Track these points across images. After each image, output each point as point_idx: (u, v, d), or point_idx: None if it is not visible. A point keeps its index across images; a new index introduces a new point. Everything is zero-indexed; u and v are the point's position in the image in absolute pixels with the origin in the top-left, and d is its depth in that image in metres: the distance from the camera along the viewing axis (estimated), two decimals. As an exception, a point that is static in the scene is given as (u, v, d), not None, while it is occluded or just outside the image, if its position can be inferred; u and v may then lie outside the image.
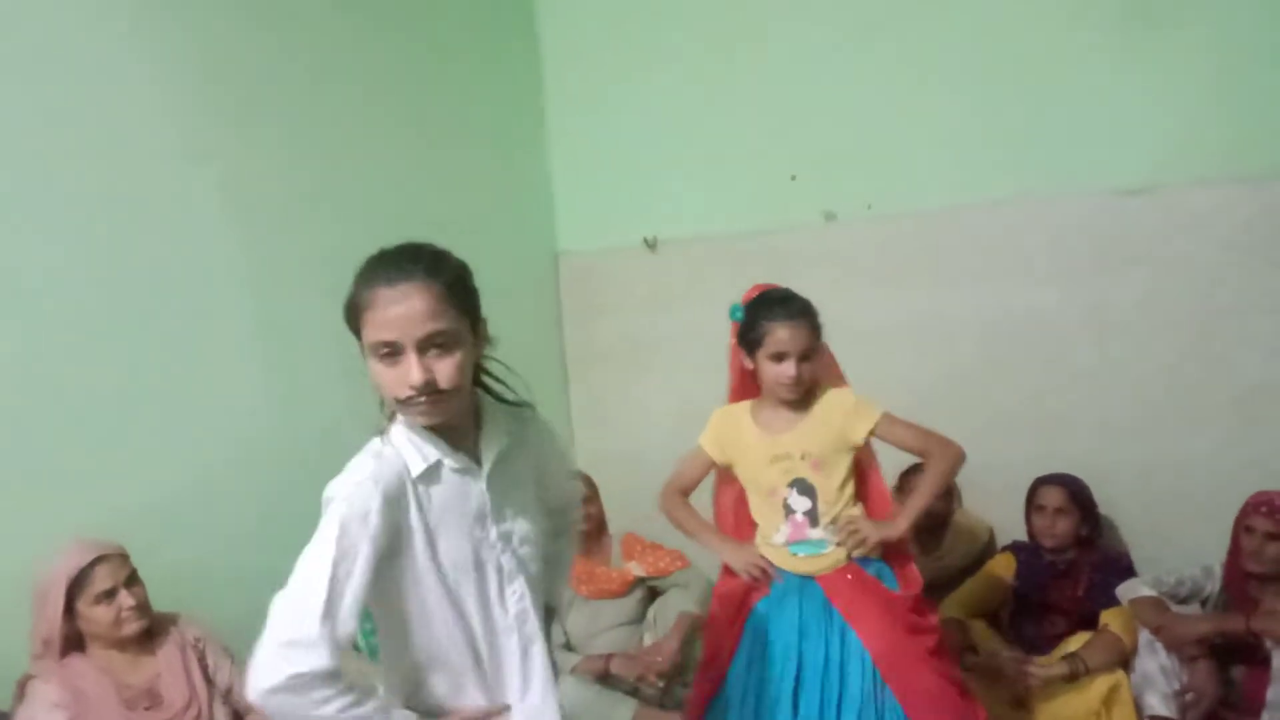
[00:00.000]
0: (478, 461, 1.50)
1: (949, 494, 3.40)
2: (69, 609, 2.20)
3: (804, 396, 2.32)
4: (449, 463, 1.47)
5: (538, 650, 1.55)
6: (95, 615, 2.21)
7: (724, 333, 3.78)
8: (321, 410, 2.91)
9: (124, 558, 2.28)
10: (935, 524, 3.36)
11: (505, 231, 4.10)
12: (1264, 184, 3.04)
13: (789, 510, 2.31)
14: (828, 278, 3.62)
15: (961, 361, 3.49)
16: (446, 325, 1.40)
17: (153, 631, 2.34)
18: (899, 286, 3.58)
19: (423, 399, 1.38)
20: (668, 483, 2.52)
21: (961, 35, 3.40)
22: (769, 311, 2.28)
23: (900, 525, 2.30)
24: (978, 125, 3.39)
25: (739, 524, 2.52)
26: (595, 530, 3.29)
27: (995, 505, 3.39)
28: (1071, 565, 2.98)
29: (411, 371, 1.36)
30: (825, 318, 3.63)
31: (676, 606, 3.16)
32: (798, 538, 2.32)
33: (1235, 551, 2.78)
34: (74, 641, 2.24)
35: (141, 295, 2.64)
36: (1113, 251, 3.25)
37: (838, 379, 2.47)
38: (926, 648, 2.26)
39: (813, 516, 2.31)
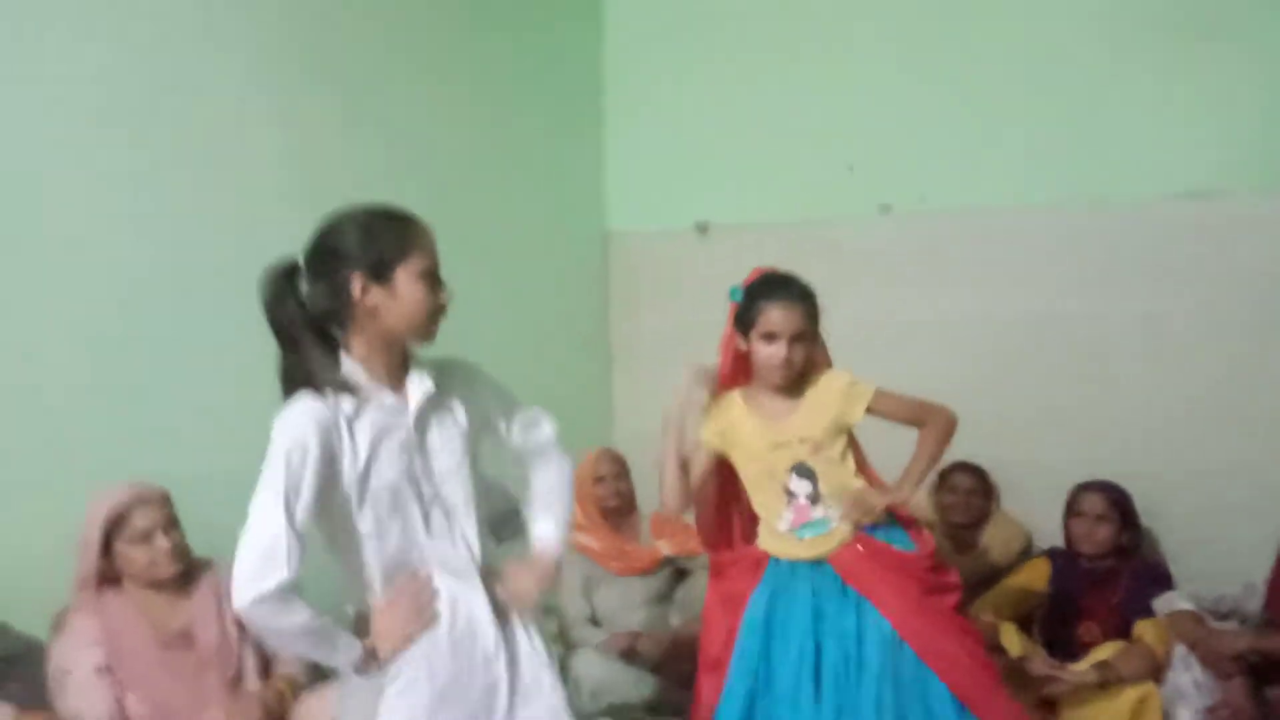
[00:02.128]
0: (404, 402, 1.69)
1: (987, 492, 3.37)
2: (107, 548, 2.26)
3: (796, 382, 2.29)
4: (378, 400, 1.66)
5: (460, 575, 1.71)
6: (132, 555, 2.27)
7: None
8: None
9: (164, 501, 2.33)
10: (972, 522, 3.33)
11: (556, 207, 4.12)
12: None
13: (790, 495, 2.27)
14: (881, 270, 3.64)
15: (1010, 361, 3.45)
16: None
17: (190, 575, 2.39)
18: (951, 283, 3.56)
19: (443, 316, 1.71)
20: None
21: (1023, 36, 3.38)
22: (766, 292, 2.27)
23: (904, 489, 2.28)
24: (1037, 126, 3.36)
25: (720, 530, 2.48)
26: (625, 508, 3.31)
27: (1035, 508, 3.33)
28: (1109, 573, 2.92)
29: (447, 290, 1.72)
30: (879, 311, 3.68)
31: (704, 587, 3.15)
32: (801, 520, 2.27)
33: (1279, 570, 2.71)
34: (112, 580, 2.30)
35: (203, 264, 2.70)
36: (1168, 257, 3.21)
37: (827, 366, 2.43)
38: (948, 606, 2.25)
39: (814, 497, 2.27)
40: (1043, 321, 3.39)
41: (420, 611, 1.67)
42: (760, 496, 2.34)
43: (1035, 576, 3.02)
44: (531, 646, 1.76)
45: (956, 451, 3.37)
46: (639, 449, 4.02)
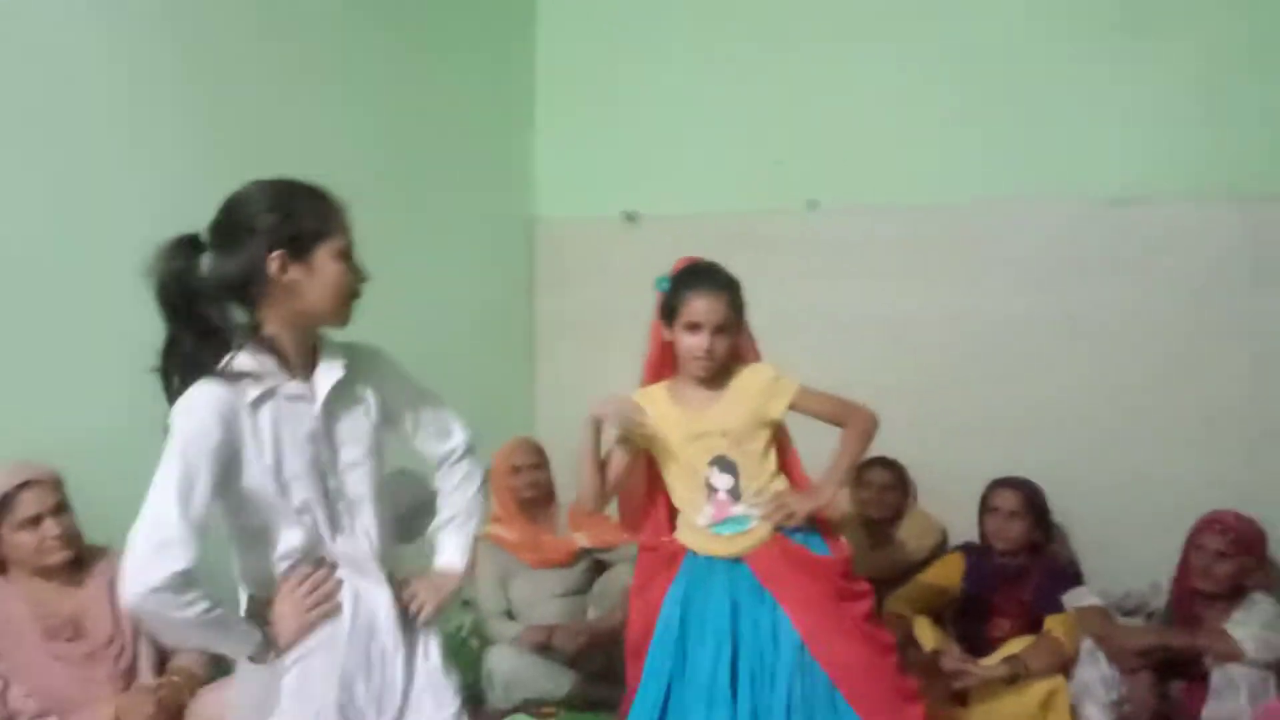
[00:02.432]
0: (311, 389, 1.62)
1: (904, 488, 3.40)
2: (-9, 532, 2.15)
3: (720, 374, 2.26)
4: (285, 389, 1.58)
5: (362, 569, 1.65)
6: (18, 541, 2.16)
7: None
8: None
9: (55, 484, 2.22)
10: (888, 517, 3.36)
11: (483, 190, 4.05)
12: (1252, 203, 3.03)
13: (711, 490, 2.23)
14: (808, 266, 3.63)
15: (930, 361, 3.46)
16: None
17: (82, 562, 2.29)
18: (875, 280, 3.55)
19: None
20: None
21: (956, 33, 3.38)
22: (690, 281, 2.24)
23: (826, 492, 2.25)
24: (966, 124, 3.37)
25: (645, 516, 2.43)
26: (543, 498, 3.26)
27: (952, 509, 3.35)
28: (1021, 570, 2.96)
29: (364, 271, 1.66)
30: (803, 305, 3.68)
31: (622, 581, 3.11)
32: (721, 516, 2.22)
33: (1185, 568, 2.78)
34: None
35: (98, 220, 2.58)
36: (1095, 260, 3.24)
37: (755, 360, 2.40)
38: (858, 614, 2.23)
39: (735, 493, 2.22)
40: (966, 321, 3.40)
41: (322, 600, 1.60)
42: (680, 489, 2.29)
43: (949, 572, 3.05)
44: (426, 658, 1.71)
45: (875, 449, 3.40)
46: (560, 436, 3.95)
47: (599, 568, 3.26)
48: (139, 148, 2.71)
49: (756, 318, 2.48)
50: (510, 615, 3.13)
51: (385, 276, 3.50)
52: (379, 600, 1.65)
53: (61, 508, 2.23)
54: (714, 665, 2.19)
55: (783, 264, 3.65)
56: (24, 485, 2.16)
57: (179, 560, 1.41)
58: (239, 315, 1.58)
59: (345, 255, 1.61)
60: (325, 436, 1.62)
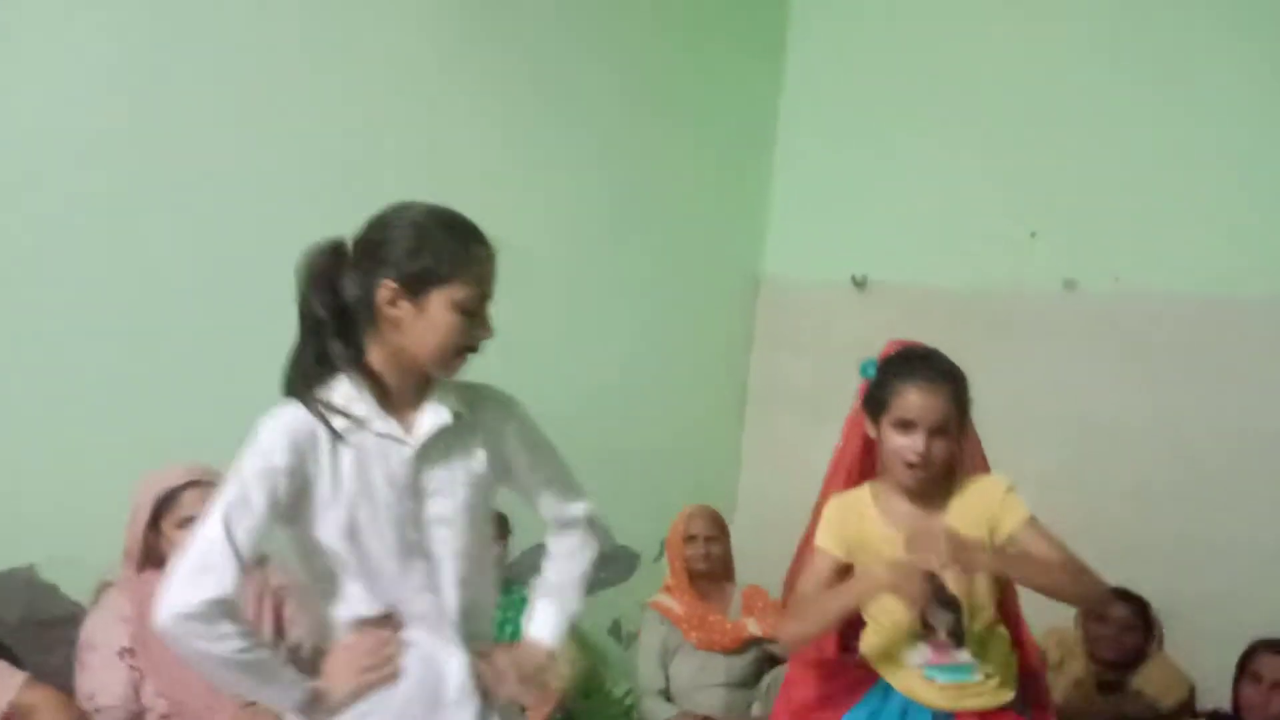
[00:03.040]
0: (409, 430, 1.47)
1: (1148, 629, 2.88)
2: (154, 526, 2.19)
3: (938, 485, 1.89)
4: (376, 426, 1.45)
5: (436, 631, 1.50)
6: (176, 538, 2.18)
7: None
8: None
9: (218, 486, 2.24)
10: (1124, 660, 2.86)
11: (712, 245, 3.93)
12: None
13: (928, 628, 1.86)
14: (1061, 353, 3.21)
15: (1199, 478, 2.94)
16: None
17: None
18: (1144, 377, 3.06)
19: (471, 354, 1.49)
20: (788, 613, 2.05)
21: (1243, 104, 2.88)
22: (904, 370, 1.87)
23: (991, 560, 1.79)
24: (1257, 205, 2.85)
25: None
26: (717, 573, 3.04)
27: (1205, 656, 2.82)
28: (1281, 756, 2.40)
29: (487, 328, 1.49)
30: (1049, 400, 3.25)
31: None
32: (941, 661, 1.86)
33: None
34: (156, 561, 2.22)
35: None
36: None
37: (983, 470, 2.04)
38: None
39: (958, 634, 1.85)
40: (1245, 434, 2.86)
41: (380, 663, 1.45)
42: (884, 618, 1.93)
43: (1188, 740, 2.53)
44: None
45: (1117, 575, 2.92)
46: (759, 512, 3.74)
47: (771, 661, 2.95)
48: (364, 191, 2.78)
49: (990, 414, 2.09)
50: (668, 696, 2.90)
51: (606, 320, 3.54)
52: (450, 669, 1.48)
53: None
54: None
55: (1032, 349, 3.26)
56: (189, 485, 2.19)
57: (214, 587, 1.31)
58: (357, 333, 1.46)
59: (463, 307, 1.44)
60: (412, 485, 1.47)
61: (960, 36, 3.50)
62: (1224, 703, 2.63)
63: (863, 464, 2.05)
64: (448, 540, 1.49)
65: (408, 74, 2.90)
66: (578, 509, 1.66)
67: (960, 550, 1.71)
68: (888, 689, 1.93)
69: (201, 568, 1.33)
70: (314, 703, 1.44)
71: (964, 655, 1.86)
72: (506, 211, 3.10)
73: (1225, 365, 2.93)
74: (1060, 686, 2.86)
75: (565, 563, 1.67)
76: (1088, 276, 3.17)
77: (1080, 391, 3.17)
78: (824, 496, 2.05)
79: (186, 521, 2.17)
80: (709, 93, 3.81)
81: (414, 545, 1.47)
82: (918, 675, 1.89)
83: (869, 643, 1.98)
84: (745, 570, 3.55)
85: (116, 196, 2.37)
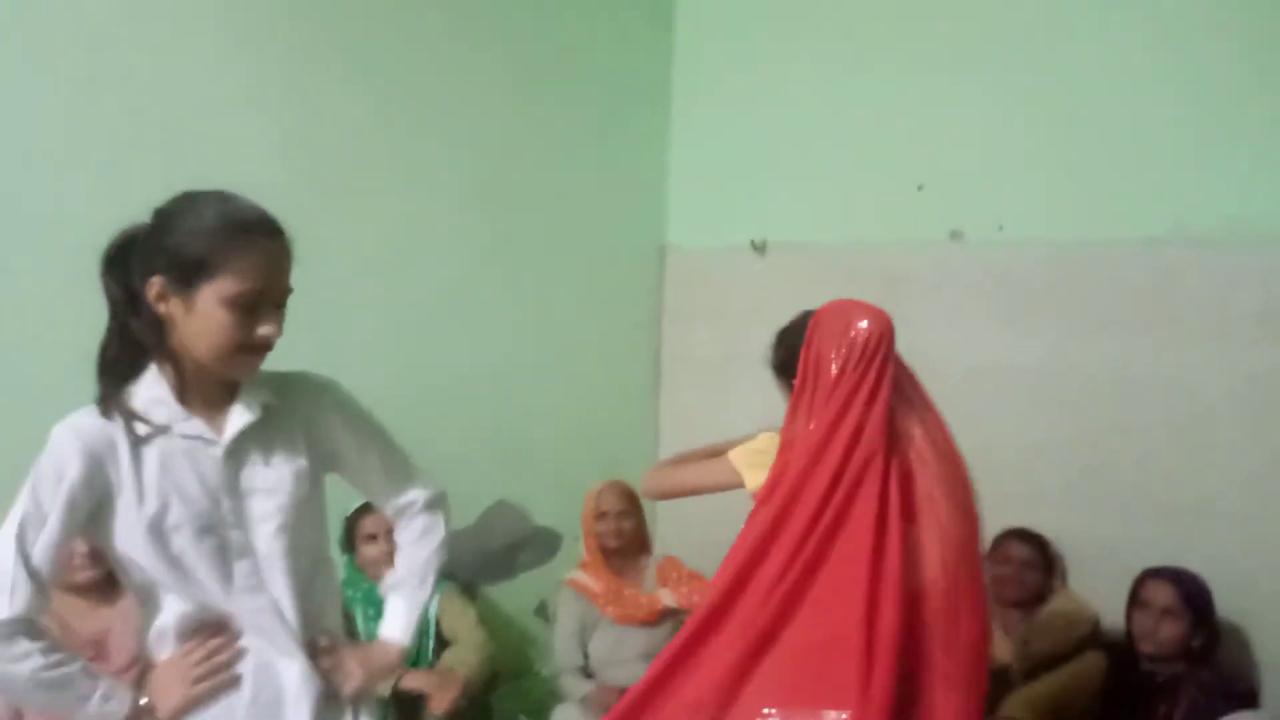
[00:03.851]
0: (218, 429, 1.41)
1: (1048, 566, 2.94)
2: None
3: None
4: (180, 428, 1.39)
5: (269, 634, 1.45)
6: (49, 558, 2.12)
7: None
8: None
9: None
10: (1027, 599, 2.89)
11: (613, 217, 3.90)
12: None
13: None
14: (948, 303, 3.24)
15: (1086, 420, 2.99)
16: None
17: (116, 583, 2.24)
18: (1025, 324, 3.10)
19: (261, 353, 1.40)
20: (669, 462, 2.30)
21: (1128, 46, 2.90)
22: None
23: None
24: (1135, 150, 2.88)
25: None
26: (631, 548, 3.03)
27: (1106, 593, 2.87)
28: (1172, 680, 2.47)
29: (271, 325, 1.38)
30: (938, 347, 3.28)
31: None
32: None
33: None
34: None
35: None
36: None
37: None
38: None
39: None
40: (1132, 375, 2.91)
41: (213, 671, 1.41)
42: None
43: (1085, 675, 2.59)
44: None
45: (1015, 517, 2.98)
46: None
47: (686, 629, 2.97)
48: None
49: None
50: (587, 672, 2.90)
51: (514, 300, 3.50)
52: (288, 674, 1.44)
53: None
54: None
55: (921, 300, 3.28)
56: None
57: (6, 608, 1.26)
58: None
59: (236, 302, 1.33)
60: (229, 485, 1.41)
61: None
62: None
63: None
64: (276, 537, 1.44)
65: (279, 38, 2.82)
66: (415, 494, 1.62)
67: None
68: None
69: None
70: (142, 716, 1.38)
71: None
72: (396, 189, 3.14)
73: (1103, 310, 2.96)
74: (967, 630, 2.90)
75: (409, 552, 1.63)
76: (973, 227, 3.19)
77: (967, 338, 3.20)
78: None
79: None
80: (602, 62, 3.77)
81: (237, 547, 1.42)
82: None
83: None
84: (667, 542, 3.56)
85: None
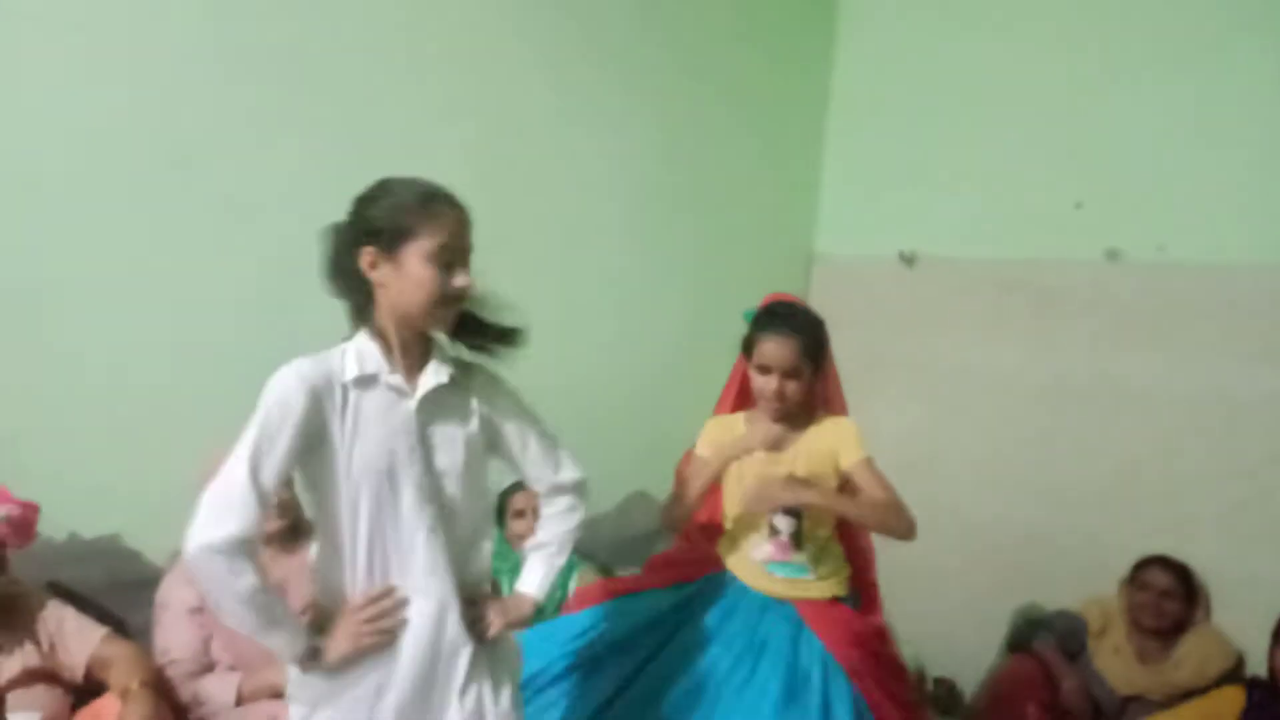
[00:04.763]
0: (413, 386, 1.61)
1: (1190, 597, 2.86)
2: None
3: (800, 416, 2.23)
4: (386, 378, 1.58)
5: (438, 578, 1.62)
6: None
7: (972, 363, 3.48)
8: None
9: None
10: (1165, 628, 2.84)
11: (765, 224, 3.99)
12: None
13: (774, 530, 2.20)
14: (1102, 324, 3.20)
15: (1242, 449, 2.89)
16: None
17: (297, 533, 2.48)
18: (1185, 348, 3.03)
19: (458, 304, 1.60)
20: (672, 498, 2.31)
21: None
22: (765, 322, 2.21)
23: (810, 494, 2.12)
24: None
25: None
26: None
27: (1255, 631, 2.78)
28: (1317, 722, 2.38)
29: (464, 276, 1.58)
30: (1094, 368, 3.24)
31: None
32: (781, 558, 2.21)
33: None
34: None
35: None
36: None
37: (840, 409, 2.37)
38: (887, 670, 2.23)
39: (797, 539, 2.20)
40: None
41: (382, 629, 1.58)
42: (741, 518, 2.28)
43: (1223, 708, 2.52)
44: (495, 698, 1.66)
45: (1163, 545, 2.93)
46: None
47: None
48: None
49: (1038, 377, 2.58)
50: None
51: (667, 300, 3.65)
52: (445, 626, 1.61)
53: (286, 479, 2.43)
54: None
55: (1074, 320, 3.26)
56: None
57: (236, 525, 1.42)
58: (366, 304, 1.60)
59: (438, 257, 1.54)
60: (420, 436, 1.59)
61: (1006, 13, 3.48)
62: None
63: (742, 394, 2.36)
64: (456, 489, 1.62)
65: (464, 47, 3.00)
66: (565, 476, 1.79)
67: (795, 489, 2.11)
68: (730, 577, 2.28)
69: (226, 506, 1.43)
70: (313, 656, 1.57)
71: (800, 557, 2.20)
72: (561, 189, 3.32)
73: (1257, 337, 2.87)
74: (1101, 654, 2.87)
75: (553, 524, 1.81)
76: (1132, 246, 3.13)
77: (1119, 359, 3.16)
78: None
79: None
80: (763, 73, 3.87)
81: (431, 493, 1.59)
82: (760, 569, 2.23)
83: (723, 542, 2.34)
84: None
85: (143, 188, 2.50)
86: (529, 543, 1.84)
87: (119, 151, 2.41)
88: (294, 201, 2.54)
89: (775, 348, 2.14)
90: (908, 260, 3.71)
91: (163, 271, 2.53)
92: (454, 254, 1.57)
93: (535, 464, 1.77)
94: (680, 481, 2.28)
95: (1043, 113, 3.33)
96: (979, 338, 3.54)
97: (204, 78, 2.52)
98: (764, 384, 2.17)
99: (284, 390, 1.50)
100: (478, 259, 1.62)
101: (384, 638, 1.59)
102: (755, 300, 3.94)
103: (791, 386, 2.16)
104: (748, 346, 2.22)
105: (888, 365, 3.83)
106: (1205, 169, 2.98)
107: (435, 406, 1.62)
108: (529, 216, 3.17)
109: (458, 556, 1.64)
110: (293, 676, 1.63)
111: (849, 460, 2.17)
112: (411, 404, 1.60)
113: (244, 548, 1.45)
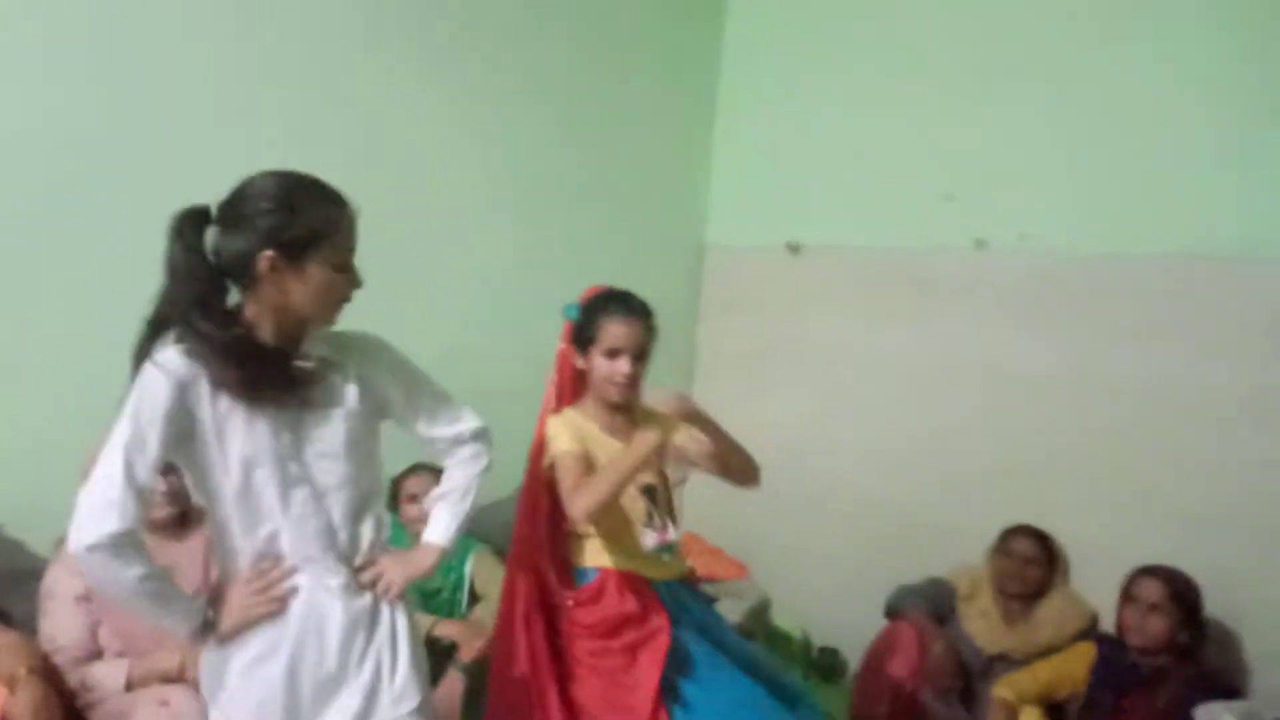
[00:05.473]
0: None
1: (1050, 562, 3.06)
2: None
3: (630, 405, 2.21)
4: None
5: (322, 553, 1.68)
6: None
7: (857, 348, 3.63)
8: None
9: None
10: (1028, 593, 3.03)
11: (658, 215, 4.10)
12: None
13: (649, 516, 2.19)
14: (974, 309, 3.38)
15: (1101, 426, 3.09)
16: None
17: (186, 520, 2.49)
18: (1051, 332, 3.22)
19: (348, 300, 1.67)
20: (571, 496, 2.11)
21: (1152, 65, 3.01)
22: (608, 306, 2.19)
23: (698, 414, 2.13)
24: (1158, 170, 2.99)
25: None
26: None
27: (1108, 595, 2.99)
28: (1158, 673, 2.58)
29: (358, 276, 1.66)
30: (969, 352, 3.43)
31: (726, 614, 3.01)
32: (665, 540, 2.19)
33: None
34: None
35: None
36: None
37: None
38: None
39: (669, 518, 2.23)
40: (1147, 386, 3.00)
41: (269, 600, 1.64)
42: (615, 518, 2.19)
43: (1074, 662, 2.71)
44: (393, 652, 1.72)
45: (1027, 516, 3.12)
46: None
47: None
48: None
49: (918, 359, 2.68)
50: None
51: (558, 288, 3.72)
52: (330, 596, 1.67)
53: (171, 467, 2.43)
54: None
55: (948, 305, 3.44)
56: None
57: (116, 521, 1.46)
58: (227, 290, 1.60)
59: (338, 266, 1.61)
60: (288, 423, 1.63)
61: (884, 16, 3.64)
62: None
63: (567, 392, 2.30)
64: (332, 471, 1.67)
65: (351, 45, 3.05)
66: (463, 426, 1.83)
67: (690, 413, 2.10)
68: (655, 584, 2.21)
69: (106, 504, 1.47)
70: (205, 630, 1.63)
71: (673, 533, 2.21)
72: (452, 182, 3.36)
73: (1118, 321, 3.08)
74: (969, 617, 3.05)
75: (456, 471, 1.84)
76: (997, 235, 3.33)
77: (988, 342, 3.35)
78: (543, 423, 2.26)
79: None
80: (651, 66, 3.97)
81: (294, 476, 1.64)
82: (654, 559, 2.20)
83: (608, 556, 2.20)
84: (698, 523, 3.76)
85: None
86: (430, 495, 1.90)
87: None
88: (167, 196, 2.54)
89: (626, 330, 2.14)
90: (794, 249, 3.86)
91: (53, 265, 2.53)
92: (350, 256, 1.64)
93: (429, 422, 1.80)
94: (576, 478, 2.09)
95: (916, 109, 3.51)
96: (863, 324, 3.69)
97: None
98: (613, 369, 2.15)
99: (152, 385, 1.53)
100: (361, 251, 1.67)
101: (273, 605, 1.64)
102: (651, 292, 4.08)
103: (641, 369, 2.17)
104: (587, 335, 2.19)
105: (777, 352, 3.98)
106: (1060, 165, 3.19)
107: (305, 391, 1.64)
108: (415, 206, 3.21)
109: (346, 531, 1.69)
110: (204, 671, 1.70)
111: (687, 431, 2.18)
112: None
113: (127, 540, 1.49)
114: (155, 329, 1.57)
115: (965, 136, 3.39)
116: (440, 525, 1.83)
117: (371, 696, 1.68)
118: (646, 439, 2.06)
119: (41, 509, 2.45)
